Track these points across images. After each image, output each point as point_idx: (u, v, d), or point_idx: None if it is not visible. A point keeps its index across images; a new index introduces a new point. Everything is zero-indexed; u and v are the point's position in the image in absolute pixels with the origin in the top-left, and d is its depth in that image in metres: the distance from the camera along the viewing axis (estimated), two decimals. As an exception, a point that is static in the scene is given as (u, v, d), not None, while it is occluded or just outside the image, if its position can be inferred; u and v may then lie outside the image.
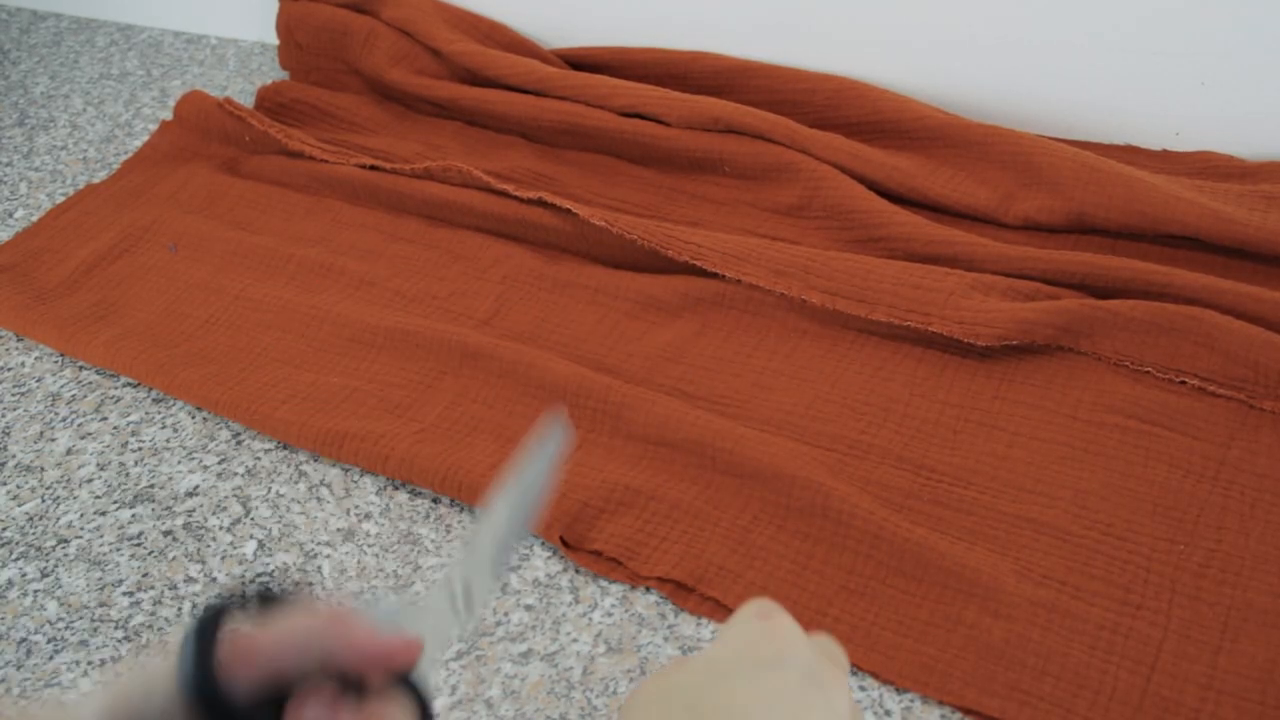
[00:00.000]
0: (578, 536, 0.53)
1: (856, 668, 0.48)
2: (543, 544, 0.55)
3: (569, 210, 0.67)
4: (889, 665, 0.47)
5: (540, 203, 0.69)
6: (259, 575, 0.55)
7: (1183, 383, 0.56)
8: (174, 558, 0.56)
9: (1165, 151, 0.70)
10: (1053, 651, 0.47)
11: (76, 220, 0.76)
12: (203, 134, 0.81)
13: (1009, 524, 0.52)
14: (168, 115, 0.84)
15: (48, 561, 0.57)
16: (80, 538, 0.58)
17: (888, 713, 0.47)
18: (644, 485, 0.55)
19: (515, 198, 0.70)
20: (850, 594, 0.50)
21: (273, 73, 0.91)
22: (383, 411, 0.60)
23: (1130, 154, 0.70)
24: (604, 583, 0.53)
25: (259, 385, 0.62)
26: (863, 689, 0.48)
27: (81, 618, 0.54)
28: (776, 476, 0.54)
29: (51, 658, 0.52)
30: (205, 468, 0.60)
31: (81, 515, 0.59)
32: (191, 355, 0.65)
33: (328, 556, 0.56)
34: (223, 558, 0.56)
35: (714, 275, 0.64)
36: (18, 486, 0.60)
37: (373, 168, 0.75)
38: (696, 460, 0.56)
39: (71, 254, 0.73)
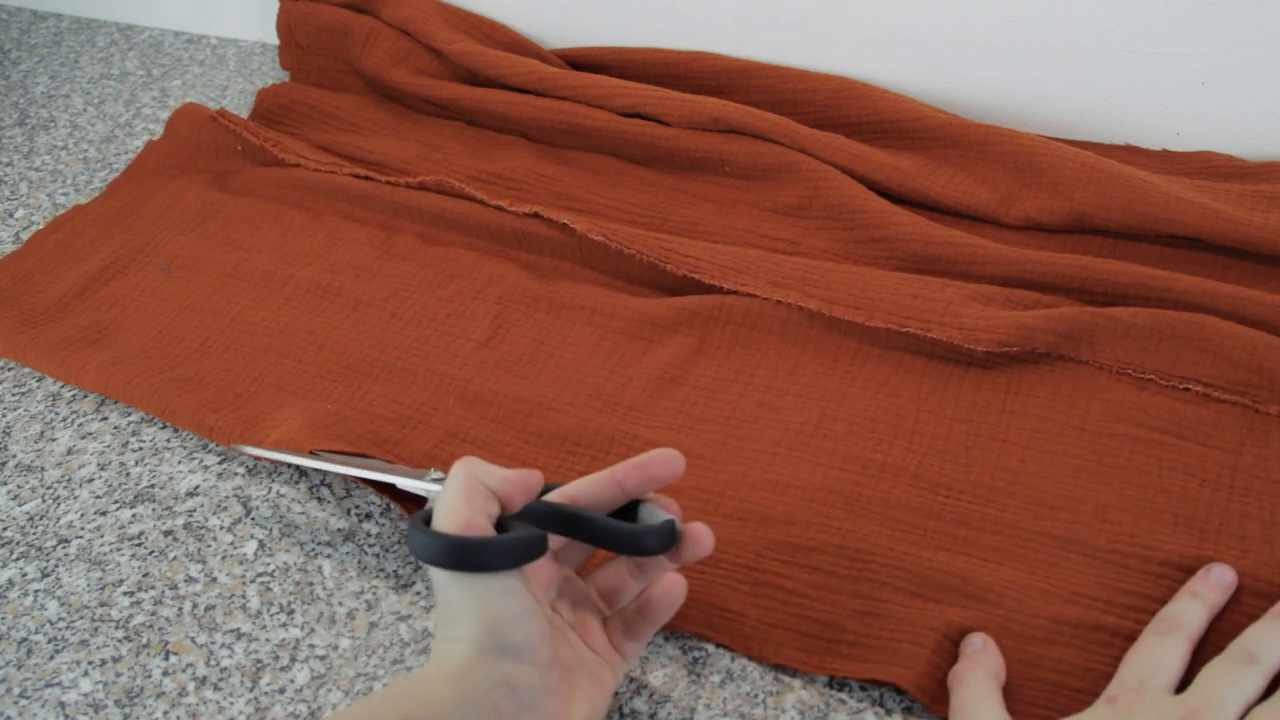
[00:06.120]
0: None
1: (875, 682, 0.48)
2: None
3: (565, 224, 0.67)
4: (906, 675, 0.47)
5: (536, 216, 0.69)
6: (260, 575, 0.55)
7: (1186, 389, 0.56)
8: (174, 557, 0.56)
9: (1165, 151, 0.70)
10: (1072, 666, 0.47)
11: (65, 241, 0.75)
12: (194, 147, 0.80)
13: (1036, 542, 0.51)
14: (168, 115, 0.84)
15: (48, 561, 0.57)
16: (81, 537, 0.58)
17: (888, 712, 0.47)
18: None
19: (510, 212, 0.69)
20: (865, 616, 0.49)
21: (273, 73, 0.92)
22: (369, 444, 0.58)
23: (1130, 154, 0.70)
24: (604, 583, 0.53)
25: (253, 413, 0.61)
26: (864, 688, 0.48)
27: (82, 617, 0.54)
28: (790, 522, 0.53)
29: (52, 657, 0.52)
30: (205, 468, 0.60)
31: (82, 515, 0.59)
32: (186, 380, 0.64)
33: (328, 556, 0.56)
34: (223, 558, 0.56)
35: (712, 288, 0.64)
36: (18, 486, 0.60)
37: (366, 178, 0.74)
38: (698, 504, 0.55)
39: (62, 276, 0.72)
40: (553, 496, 0.46)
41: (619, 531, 0.44)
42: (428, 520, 0.41)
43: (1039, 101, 0.72)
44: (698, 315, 0.63)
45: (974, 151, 0.69)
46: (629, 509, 0.46)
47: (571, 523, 0.44)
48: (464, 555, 0.39)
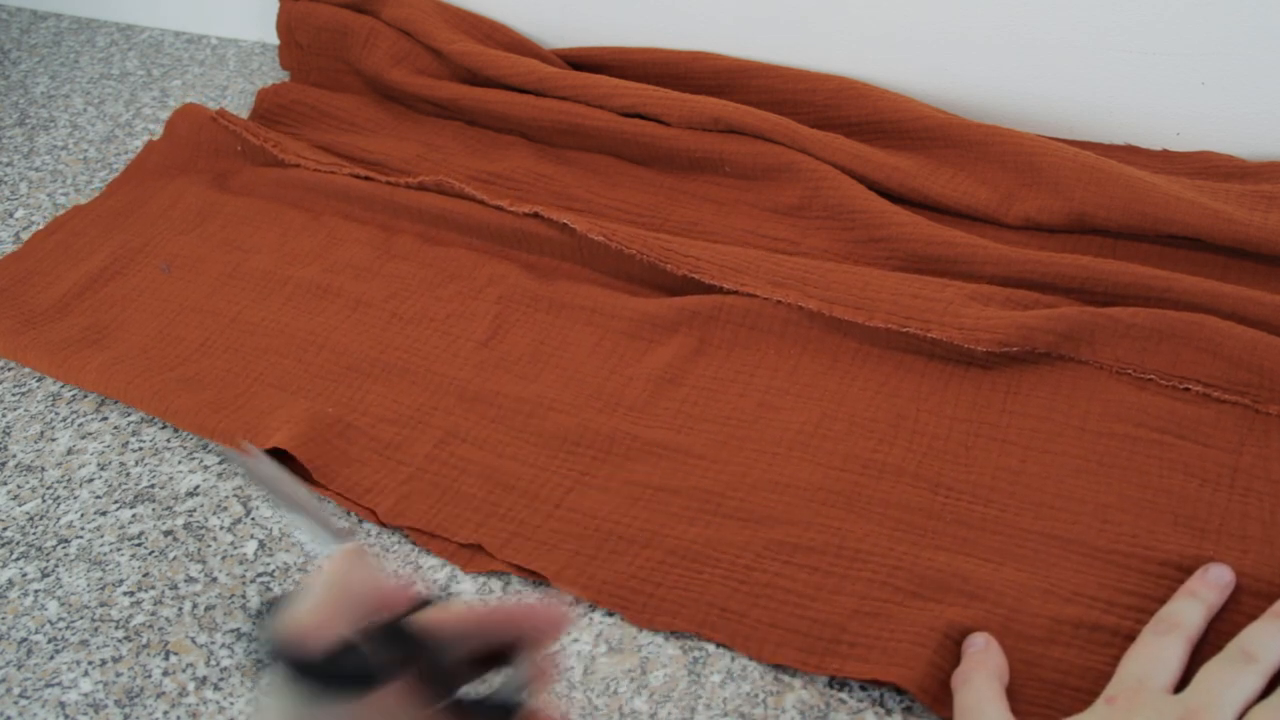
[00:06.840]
0: (567, 586, 0.52)
1: (875, 682, 0.48)
2: (543, 544, 0.55)
3: (565, 224, 0.67)
4: (906, 675, 0.47)
5: (536, 216, 0.69)
6: (260, 575, 0.55)
7: (1186, 389, 0.56)
8: (174, 558, 0.56)
9: (1165, 151, 0.70)
10: (1073, 666, 0.47)
11: (65, 241, 0.74)
12: (194, 147, 0.80)
13: (1036, 542, 0.51)
14: (168, 115, 0.84)
15: (48, 561, 0.57)
16: (81, 537, 0.58)
17: (888, 712, 0.47)
18: (638, 533, 0.54)
19: (510, 212, 0.69)
20: (865, 616, 0.49)
21: (273, 73, 0.92)
22: (372, 453, 0.58)
23: (1130, 154, 0.70)
24: (604, 583, 0.53)
25: (255, 413, 0.61)
26: (864, 688, 0.48)
27: (82, 617, 0.54)
28: (790, 522, 0.53)
29: (52, 657, 0.52)
30: (206, 468, 0.60)
31: (82, 515, 0.59)
32: (187, 380, 0.63)
33: (328, 556, 0.55)
34: (223, 558, 0.56)
35: (712, 288, 0.64)
36: (18, 486, 0.60)
37: (366, 178, 0.74)
38: (698, 504, 0.55)
39: (61, 277, 0.72)
40: (427, 615, 0.37)
41: (449, 685, 0.36)
42: (292, 599, 0.36)
43: (1039, 101, 0.72)
44: (698, 315, 0.63)
45: (974, 151, 0.69)
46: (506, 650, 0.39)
47: (415, 651, 0.36)
48: (295, 670, 0.33)
